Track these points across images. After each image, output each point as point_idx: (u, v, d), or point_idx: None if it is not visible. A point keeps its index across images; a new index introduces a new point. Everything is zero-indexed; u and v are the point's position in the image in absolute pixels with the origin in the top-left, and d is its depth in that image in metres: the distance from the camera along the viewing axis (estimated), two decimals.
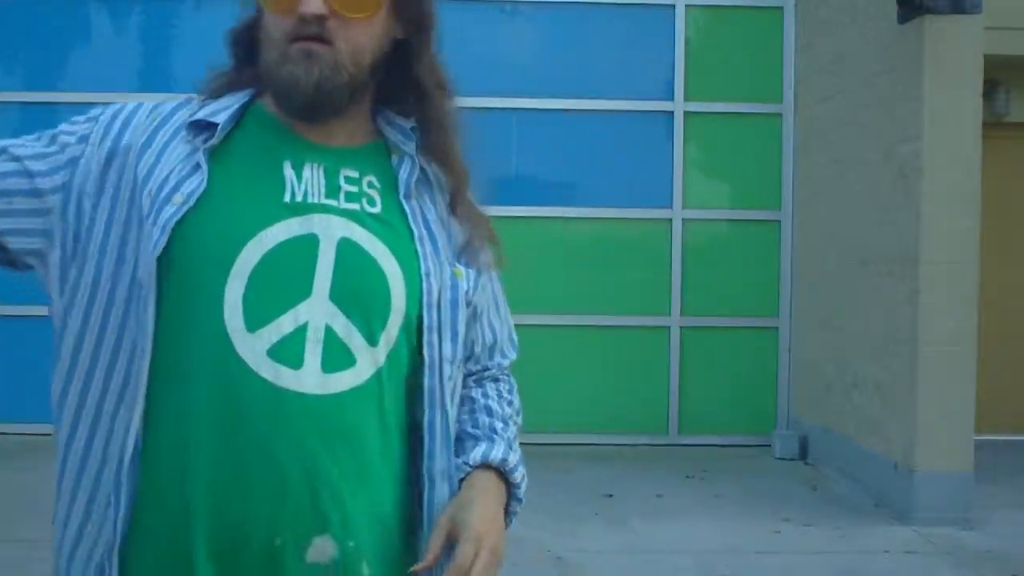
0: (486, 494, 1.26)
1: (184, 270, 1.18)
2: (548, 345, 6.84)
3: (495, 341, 1.41)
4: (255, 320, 1.17)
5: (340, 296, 1.20)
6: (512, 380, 1.46)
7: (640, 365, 6.86)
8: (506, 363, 1.44)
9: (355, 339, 1.20)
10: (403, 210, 1.29)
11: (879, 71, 5.53)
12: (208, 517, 1.15)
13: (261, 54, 1.26)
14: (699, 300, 6.86)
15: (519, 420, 1.42)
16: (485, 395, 1.39)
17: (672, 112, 6.86)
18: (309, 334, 1.18)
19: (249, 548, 1.15)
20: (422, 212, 1.30)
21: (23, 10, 6.71)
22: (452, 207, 1.34)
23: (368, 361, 1.21)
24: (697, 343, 6.87)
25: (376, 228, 1.25)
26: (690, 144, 6.89)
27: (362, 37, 1.24)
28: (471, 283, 1.32)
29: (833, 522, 5.02)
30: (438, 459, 1.26)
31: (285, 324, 1.18)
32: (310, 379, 1.17)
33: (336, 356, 1.19)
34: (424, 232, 1.29)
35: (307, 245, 1.21)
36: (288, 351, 1.17)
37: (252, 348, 1.16)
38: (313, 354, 1.18)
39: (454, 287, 1.29)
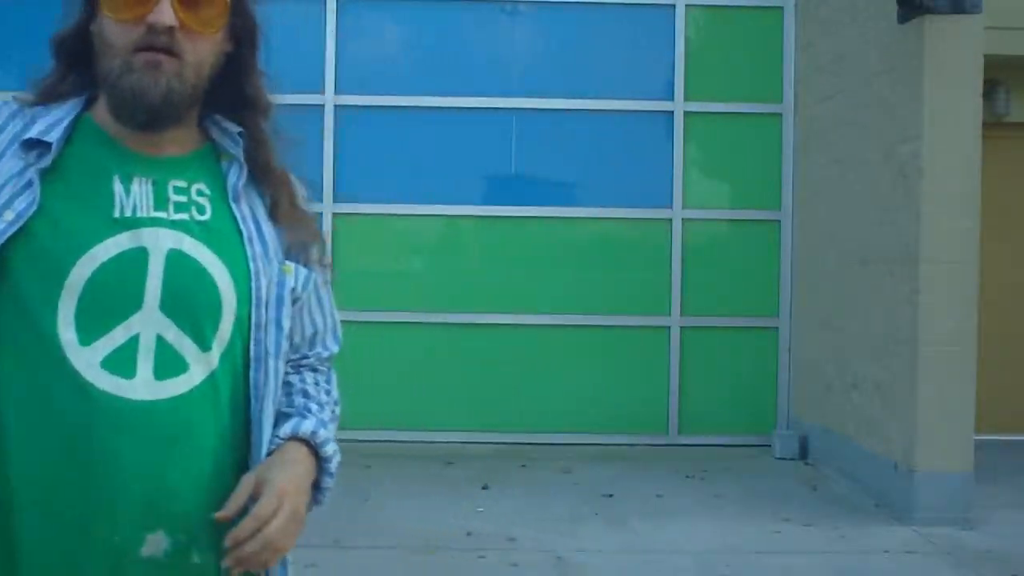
0: (295, 463, 1.33)
1: (16, 286, 1.23)
2: (548, 345, 6.84)
3: (315, 332, 1.49)
4: (88, 334, 1.23)
5: (170, 306, 1.27)
6: (333, 373, 1.53)
7: (640, 365, 6.86)
8: (326, 354, 1.51)
9: (187, 346, 1.27)
10: (233, 214, 1.35)
11: (879, 71, 5.53)
12: (45, 520, 1.21)
13: (99, 62, 1.29)
14: (699, 300, 6.86)
15: (337, 411, 1.49)
16: (303, 380, 1.46)
17: (672, 112, 6.86)
18: (141, 345, 1.25)
19: (89, 548, 1.22)
20: (252, 213, 1.37)
21: (23, 10, 6.72)
22: (273, 214, 1.39)
23: (201, 365, 1.28)
24: (697, 343, 6.87)
25: (204, 236, 1.31)
26: (690, 144, 6.89)
27: (205, 51, 1.30)
28: (299, 280, 1.39)
29: (833, 522, 5.02)
30: (263, 448, 1.34)
31: (117, 336, 1.24)
32: (143, 387, 1.24)
33: (168, 364, 1.26)
34: (254, 233, 1.35)
35: (137, 259, 1.26)
36: (121, 362, 1.23)
37: (86, 360, 1.22)
38: (145, 363, 1.24)
39: (281, 284, 1.36)
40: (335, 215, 6.70)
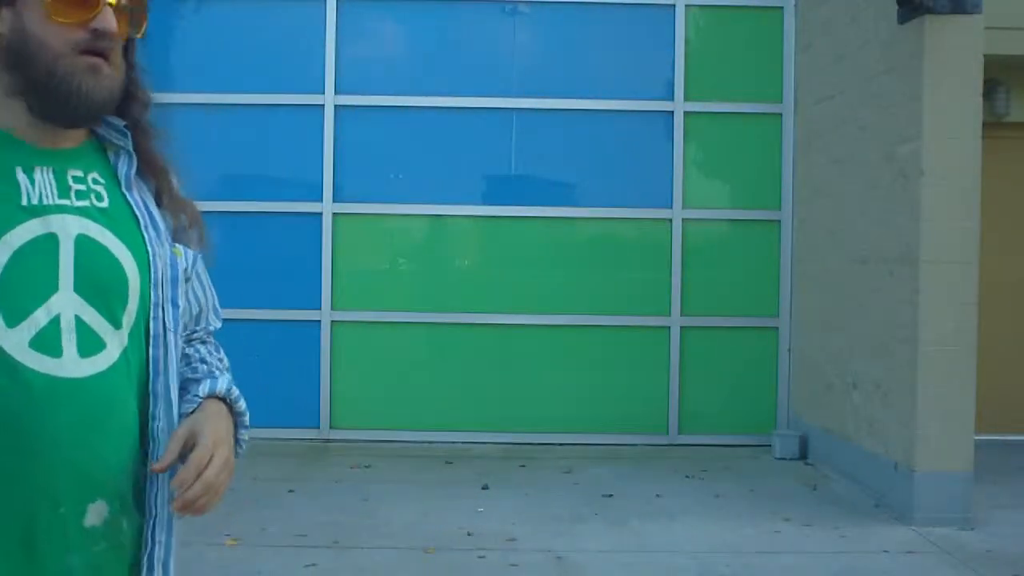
0: (218, 416, 1.45)
1: None
2: (548, 345, 6.84)
3: (201, 310, 1.61)
4: (12, 316, 1.28)
5: (83, 287, 1.34)
6: (218, 344, 1.66)
7: (640, 365, 6.86)
8: (211, 328, 1.66)
9: (102, 325, 1.35)
10: (128, 201, 1.43)
11: (879, 71, 5.53)
12: None
13: (30, 62, 1.33)
14: (699, 300, 6.86)
15: (229, 376, 1.60)
16: (198, 351, 1.59)
17: (672, 112, 6.86)
18: (63, 325, 1.32)
19: (38, 525, 1.28)
20: (143, 200, 1.46)
21: None
22: (158, 201, 1.48)
23: (115, 342, 1.36)
24: (697, 343, 6.87)
25: (106, 221, 1.38)
26: (690, 144, 6.89)
27: (120, 55, 1.39)
28: (189, 261, 1.51)
29: (833, 522, 5.02)
30: (162, 419, 1.41)
31: (40, 317, 1.30)
32: (70, 365, 1.31)
33: (89, 342, 1.33)
34: (148, 219, 1.44)
35: (49, 244, 1.33)
36: (47, 342, 1.30)
37: (13, 342, 1.28)
38: (69, 343, 1.32)
39: (173, 265, 1.46)
40: (335, 215, 6.70)
